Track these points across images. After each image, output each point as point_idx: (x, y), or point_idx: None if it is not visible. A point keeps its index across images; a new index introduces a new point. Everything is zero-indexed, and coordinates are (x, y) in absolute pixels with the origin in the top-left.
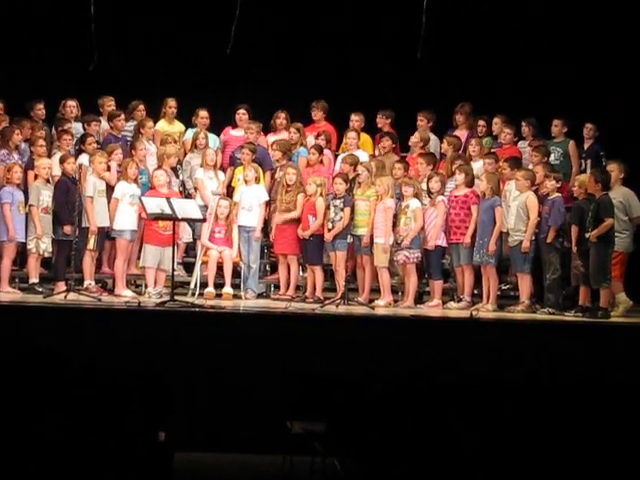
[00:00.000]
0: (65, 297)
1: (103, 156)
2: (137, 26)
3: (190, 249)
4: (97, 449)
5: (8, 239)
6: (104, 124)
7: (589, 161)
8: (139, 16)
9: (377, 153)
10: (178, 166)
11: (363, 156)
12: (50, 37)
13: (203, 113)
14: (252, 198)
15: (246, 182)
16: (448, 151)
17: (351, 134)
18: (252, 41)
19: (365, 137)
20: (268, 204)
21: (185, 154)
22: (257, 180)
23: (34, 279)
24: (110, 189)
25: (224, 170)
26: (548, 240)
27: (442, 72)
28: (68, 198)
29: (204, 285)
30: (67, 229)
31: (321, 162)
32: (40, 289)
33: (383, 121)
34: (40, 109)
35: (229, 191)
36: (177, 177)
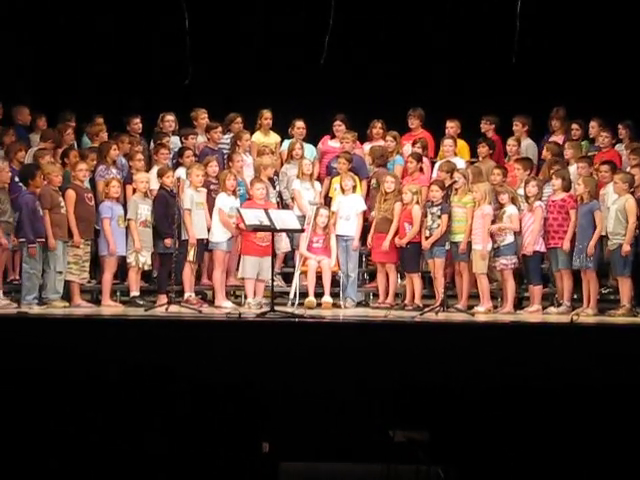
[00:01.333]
0: (166, 309)
1: (200, 169)
2: (231, 39)
3: (289, 259)
4: (202, 462)
5: (109, 253)
6: (199, 137)
7: None
8: (233, 29)
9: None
10: (275, 177)
11: (460, 163)
12: (146, 52)
13: (299, 124)
14: (350, 207)
15: (343, 191)
16: (547, 157)
17: (447, 141)
18: (347, 51)
19: (462, 143)
20: (365, 213)
21: (282, 165)
22: (354, 189)
23: (135, 292)
24: (209, 200)
25: (322, 180)
26: None
27: (536, 76)
28: (167, 211)
29: (303, 295)
30: (167, 242)
31: (420, 170)
32: (141, 302)
33: (487, 126)
34: (137, 123)
35: (326, 201)
36: (274, 188)
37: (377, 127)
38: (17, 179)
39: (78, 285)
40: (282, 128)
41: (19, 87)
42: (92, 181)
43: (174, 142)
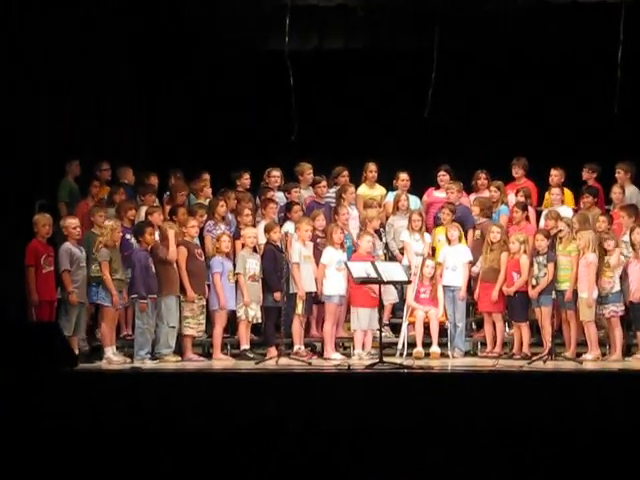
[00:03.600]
0: (276, 362)
1: (309, 223)
2: (336, 94)
3: (397, 310)
4: None
5: (219, 307)
6: (303, 191)
7: None
8: (338, 85)
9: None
10: (381, 229)
11: (566, 211)
12: (251, 108)
13: (403, 176)
14: (456, 258)
15: (449, 242)
16: None
17: (555, 190)
18: (449, 102)
19: (567, 192)
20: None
21: (387, 217)
22: (459, 239)
23: (245, 345)
24: (316, 254)
25: (429, 231)
26: None
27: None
28: (276, 266)
29: (411, 345)
30: (277, 296)
31: (527, 219)
32: (251, 355)
33: (588, 175)
34: (247, 179)
35: (432, 251)
36: (380, 240)
37: (481, 178)
38: (128, 236)
39: (191, 339)
40: (387, 180)
41: (126, 148)
42: (200, 237)
43: (278, 197)
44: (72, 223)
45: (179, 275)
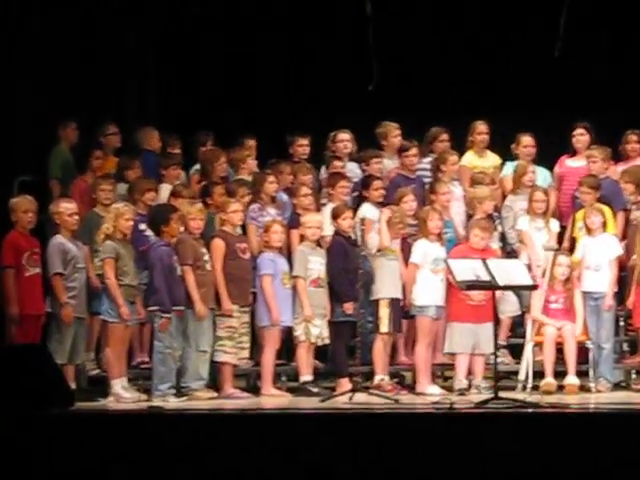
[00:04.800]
0: (350, 399)
1: (395, 206)
2: (426, 23)
3: (517, 326)
4: None
5: (270, 323)
6: (387, 161)
7: None
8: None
9: None
10: (495, 214)
11: None
12: (308, 45)
13: (526, 139)
14: (599, 253)
15: (589, 231)
16: None
17: None
18: (587, 38)
19: None
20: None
21: (504, 197)
22: (605, 227)
23: (306, 376)
24: (405, 248)
25: (562, 216)
26: None
27: None
28: (347, 265)
29: (538, 375)
30: (348, 307)
31: None
32: (315, 389)
33: None
34: (303, 146)
35: (571, 244)
36: (495, 229)
37: (632, 141)
38: (143, 227)
39: (230, 368)
40: (502, 146)
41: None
42: (242, 226)
43: (351, 169)
44: (67, 208)
45: (214, 279)
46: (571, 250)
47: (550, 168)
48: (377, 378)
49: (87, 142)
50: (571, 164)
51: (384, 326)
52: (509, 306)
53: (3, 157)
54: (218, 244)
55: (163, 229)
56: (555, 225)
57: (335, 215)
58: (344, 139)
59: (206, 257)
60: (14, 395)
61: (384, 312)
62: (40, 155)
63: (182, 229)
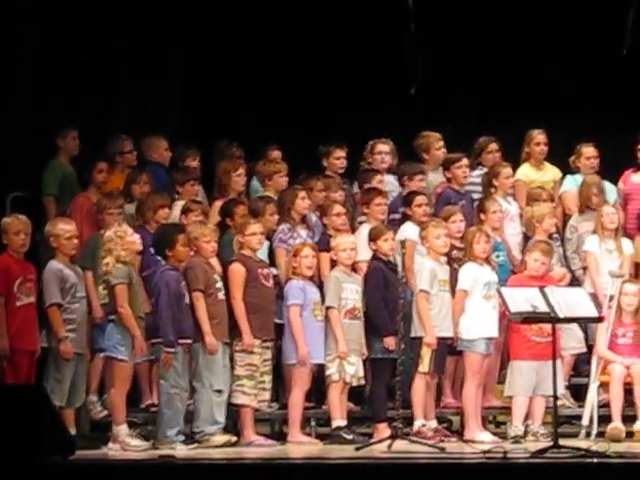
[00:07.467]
0: (389, 447)
1: (440, 225)
2: (475, 19)
3: (580, 364)
4: None
5: (298, 362)
6: (431, 175)
7: None
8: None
9: None
10: (556, 235)
11: None
12: (345, 46)
13: (589, 150)
14: None
15: None
16: None
17: None
18: None
19: None
20: None
21: (565, 215)
22: None
23: (340, 421)
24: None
25: (631, 236)
26: None
27: None
28: (387, 294)
29: (604, 419)
30: (388, 342)
31: None
32: (350, 436)
33: None
34: (340, 158)
35: (636, 270)
36: (554, 251)
37: None
38: (152, 249)
39: (252, 411)
40: (561, 158)
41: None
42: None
43: (390, 183)
44: (65, 230)
45: (229, 310)
46: (637, 276)
47: (612, 181)
48: (417, 424)
49: (89, 153)
50: (637, 180)
51: (424, 366)
52: (573, 342)
53: None
54: (237, 269)
55: (168, 253)
56: (628, 247)
57: (374, 237)
58: (382, 151)
59: (219, 284)
60: (6, 443)
61: (425, 351)
62: (36, 168)
63: (192, 252)
